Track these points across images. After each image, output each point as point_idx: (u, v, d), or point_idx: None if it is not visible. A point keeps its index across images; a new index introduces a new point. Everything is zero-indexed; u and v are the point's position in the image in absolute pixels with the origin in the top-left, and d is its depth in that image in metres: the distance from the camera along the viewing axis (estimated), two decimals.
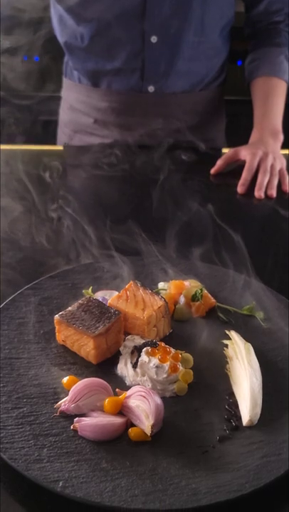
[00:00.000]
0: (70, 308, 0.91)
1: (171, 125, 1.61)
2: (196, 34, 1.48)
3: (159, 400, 0.77)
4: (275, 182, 1.42)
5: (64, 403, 0.79)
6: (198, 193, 1.36)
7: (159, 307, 0.91)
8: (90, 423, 0.76)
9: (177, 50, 1.50)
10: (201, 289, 0.98)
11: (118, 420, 0.77)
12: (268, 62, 1.58)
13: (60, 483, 0.69)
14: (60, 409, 0.79)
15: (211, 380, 0.86)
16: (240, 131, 1.61)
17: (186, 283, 1.00)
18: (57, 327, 0.90)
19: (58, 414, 0.79)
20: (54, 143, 1.77)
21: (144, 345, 0.86)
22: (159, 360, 0.84)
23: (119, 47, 1.49)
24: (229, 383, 0.85)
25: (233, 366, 0.86)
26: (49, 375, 0.86)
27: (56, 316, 0.90)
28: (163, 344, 0.87)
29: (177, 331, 0.96)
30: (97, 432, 0.75)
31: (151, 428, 0.75)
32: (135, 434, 0.76)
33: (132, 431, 0.76)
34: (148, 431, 0.75)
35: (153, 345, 0.86)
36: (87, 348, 0.87)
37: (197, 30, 1.48)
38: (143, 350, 0.85)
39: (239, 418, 0.79)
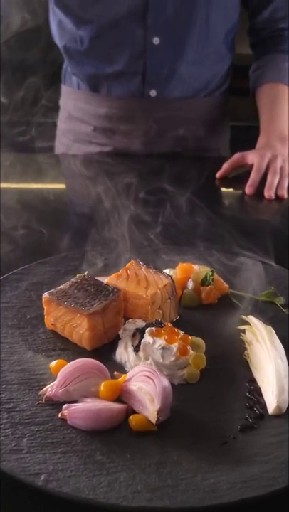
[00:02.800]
0: (61, 286, 0.79)
1: (173, 132, 1.53)
2: (200, 37, 1.43)
3: (166, 382, 0.64)
4: (286, 183, 1.33)
5: (51, 388, 0.66)
6: (205, 196, 1.26)
7: (165, 285, 0.78)
8: (82, 408, 0.62)
9: (180, 53, 1.45)
10: (212, 272, 0.86)
11: (117, 406, 0.63)
12: (273, 69, 1.53)
13: (42, 477, 0.54)
14: (45, 395, 0.65)
15: (226, 367, 0.72)
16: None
17: (195, 266, 0.88)
18: (45, 308, 0.77)
19: (43, 401, 0.65)
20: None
21: (148, 326, 0.73)
22: (166, 340, 0.70)
23: (120, 49, 1.44)
24: (248, 370, 0.71)
25: (253, 351, 0.73)
26: (35, 361, 0.72)
27: (45, 294, 0.77)
28: (170, 325, 0.74)
29: (185, 318, 0.83)
30: (91, 419, 0.61)
31: (158, 414, 0.61)
32: (137, 422, 0.61)
33: (133, 418, 0.62)
34: (153, 418, 0.61)
35: (158, 324, 0.72)
36: (80, 329, 0.74)
37: (201, 33, 1.43)
38: (146, 330, 0.72)
39: (264, 406, 0.65)
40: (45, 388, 0.66)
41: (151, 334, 0.71)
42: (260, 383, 0.68)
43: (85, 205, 1.30)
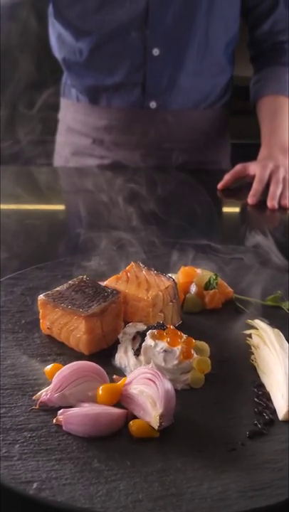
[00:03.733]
0: (57, 288, 0.75)
1: (173, 144, 1.52)
2: (200, 48, 1.43)
3: (169, 385, 0.59)
4: None
5: (45, 393, 0.61)
6: (206, 206, 1.24)
7: (167, 287, 0.75)
8: (79, 413, 0.58)
9: (180, 64, 1.44)
10: (216, 275, 0.82)
11: (116, 410, 0.59)
12: (273, 81, 1.52)
13: (35, 485, 0.50)
14: (39, 400, 0.61)
15: (232, 372, 0.68)
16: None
17: (198, 270, 0.84)
18: (41, 311, 0.74)
19: (37, 407, 0.61)
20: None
21: (149, 328, 0.69)
22: (168, 343, 0.66)
23: (120, 60, 1.43)
24: (256, 375, 0.67)
25: (260, 355, 0.69)
26: (29, 366, 0.68)
27: (41, 296, 0.73)
28: (172, 327, 0.70)
29: (188, 322, 0.79)
30: (88, 424, 0.57)
31: (160, 419, 0.56)
32: (138, 428, 0.57)
33: (133, 424, 0.57)
34: (155, 423, 0.57)
35: (160, 327, 0.69)
36: (77, 333, 0.70)
37: (201, 44, 1.42)
38: (147, 333, 0.68)
39: (273, 411, 0.61)
40: (39, 393, 0.62)
41: (153, 337, 0.67)
42: (268, 388, 0.64)
43: (83, 217, 1.27)
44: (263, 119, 1.50)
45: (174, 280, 0.76)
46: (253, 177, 1.38)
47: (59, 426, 0.58)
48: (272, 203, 1.28)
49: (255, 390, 0.65)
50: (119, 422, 0.58)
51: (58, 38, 1.49)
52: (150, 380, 0.59)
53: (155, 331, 0.68)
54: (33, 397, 0.62)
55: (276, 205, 1.28)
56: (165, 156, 1.53)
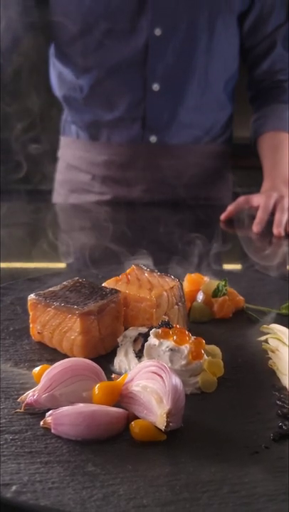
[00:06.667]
0: (50, 288, 0.67)
1: (174, 179, 1.49)
2: (199, 84, 1.43)
3: (178, 380, 0.51)
4: None
5: (32, 393, 0.52)
6: (209, 238, 1.19)
7: (172, 287, 0.67)
8: (70, 411, 0.49)
9: (180, 100, 1.44)
10: (225, 282, 0.75)
11: (115, 409, 0.50)
12: (274, 118, 1.51)
13: (13, 488, 0.40)
14: (25, 402, 0.52)
15: (248, 376, 0.59)
16: None
17: (206, 278, 0.77)
18: (31, 313, 0.66)
19: (22, 409, 0.52)
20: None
21: (152, 328, 0.61)
22: (175, 342, 0.58)
23: (120, 95, 1.43)
24: (275, 378, 0.59)
25: (279, 357, 0.60)
26: (14, 371, 0.59)
27: (31, 296, 0.66)
28: (178, 326, 0.62)
29: (196, 330, 0.70)
30: (82, 424, 0.47)
31: (167, 417, 0.47)
32: (141, 429, 0.48)
33: (136, 425, 0.48)
34: (162, 422, 0.47)
35: (165, 325, 0.61)
36: (71, 334, 0.62)
37: (201, 80, 1.43)
38: (151, 332, 0.60)
39: None
40: (25, 394, 0.53)
41: (157, 336, 0.59)
42: None
43: (80, 247, 1.21)
44: (264, 154, 1.48)
45: (179, 281, 0.69)
46: (256, 208, 1.34)
47: (47, 429, 0.49)
48: (278, 229, 1.23)
49: (277, 393, 0.56)
50: (119, 424, 0.49)
51: (59, 76, 1.49)
52: (155, 373, 0.50)
53: (159, 330, 0.60)
54: (18, 399, 0.53)
55: (282, 232, 1.23)
56: (165, 192, 1.49)
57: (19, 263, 1.06)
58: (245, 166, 1.64)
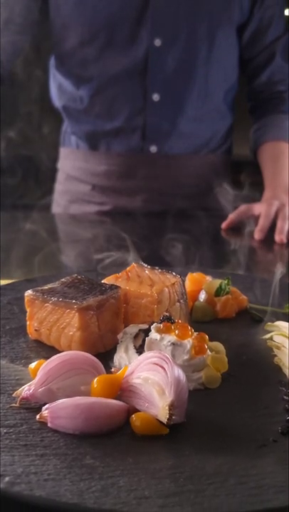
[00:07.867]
0: (48, 285, 0.65)
1: (174, 189, 1.48)
2: (199, 94, 1.43)
3: (181, 372, 0.48)
4: None
5: (28, 387, 0.50)
6: (211, 247, 1.18)
7: (173, 283, 0.65)
8: (68, 403, 0.46)
9: (180, 110, 1.44)
10: (228, 280, 0.73)
11: (115, 402, 0.47)
12: (273, 128, 1.51)
13: (6, 479, 0.38)
14: (21, 396, 0.50)
15: (253, 372, 0.57)
16: None
17: (208, 277, 0.75)
18: (28, 310, 0.64)
19: (17, 404, 0.49)
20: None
21: (153, 323, 0.59)
22: (177, 336, 0.56)
23: (120, 106, 1.43)
24: (281, 374, 0.56)
25: (285, 353, 0.58)
26: (11, 367, 0.57)
27: (28, 292, 0.64)
28: (181, 321, 0.60)
29: (199, 329, 0.68)
30: (80, 416, 0.45)
31: (170, 409, 0.45)
32: (143, 422, 0.45)
33: (137, 418, 0.46)
34: (164, 415, 0.45)
35: (167, 319, 0.58)
36: (70, 330, 0.60)
37: (201, 90, 1.43)
38: (152, 327, 0.58)
39: None
40: (20, 389, 0.51)
41: (159, 331, 0.57)
42: None
43: (78, 257, 1.19)
44: (265, 164, 1.48)
45: (181, 277, 0.67)
46: (257, 217, 1.32)
47: (44, 423, 0.46)
48: (280, 236, 1.22)
49: (283, 388, 0.53)
50: (119, 417, 0.46)
51: (59, 88, 1.50)
52: (157, 364, 0.48)
53: (161, 325, 0.58)
54: (13, 394, 0.51)
55: (284, 239, 1.22)
56: (166, 202, 1.48)
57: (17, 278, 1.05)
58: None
